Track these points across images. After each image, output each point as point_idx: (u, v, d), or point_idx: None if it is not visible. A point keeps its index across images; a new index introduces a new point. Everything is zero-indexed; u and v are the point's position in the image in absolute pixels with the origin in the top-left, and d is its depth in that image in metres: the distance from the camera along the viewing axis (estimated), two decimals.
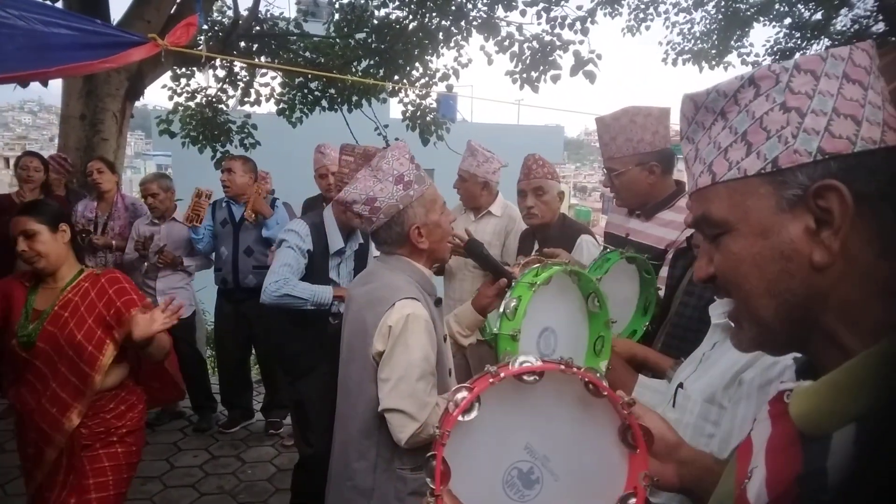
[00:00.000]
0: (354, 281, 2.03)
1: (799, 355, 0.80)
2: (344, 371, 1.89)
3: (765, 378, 1.16)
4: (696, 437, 1.22)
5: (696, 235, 1.37)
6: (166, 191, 4.23)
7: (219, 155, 7.75)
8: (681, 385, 1.31)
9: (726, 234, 0.72)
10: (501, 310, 1.49)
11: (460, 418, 0.86)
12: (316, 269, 2.89)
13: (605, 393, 0.91)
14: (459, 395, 0.88)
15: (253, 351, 4.51)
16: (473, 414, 0.87)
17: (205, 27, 7.25)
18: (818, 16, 9.26)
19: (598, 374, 0.92)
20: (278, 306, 2.76)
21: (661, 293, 2.02)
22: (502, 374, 0.88)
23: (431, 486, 0.85)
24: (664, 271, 2.06)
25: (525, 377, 0.89)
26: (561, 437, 0.94)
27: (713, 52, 9.30)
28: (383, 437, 1.73)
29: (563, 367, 0.89)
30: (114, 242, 4.21)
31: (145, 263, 4.22)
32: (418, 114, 8.14)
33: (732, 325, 0.77)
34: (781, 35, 9.58)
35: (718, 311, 1.39)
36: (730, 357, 1.28)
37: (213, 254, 4.24)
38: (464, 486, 0.88)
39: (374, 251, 3.87)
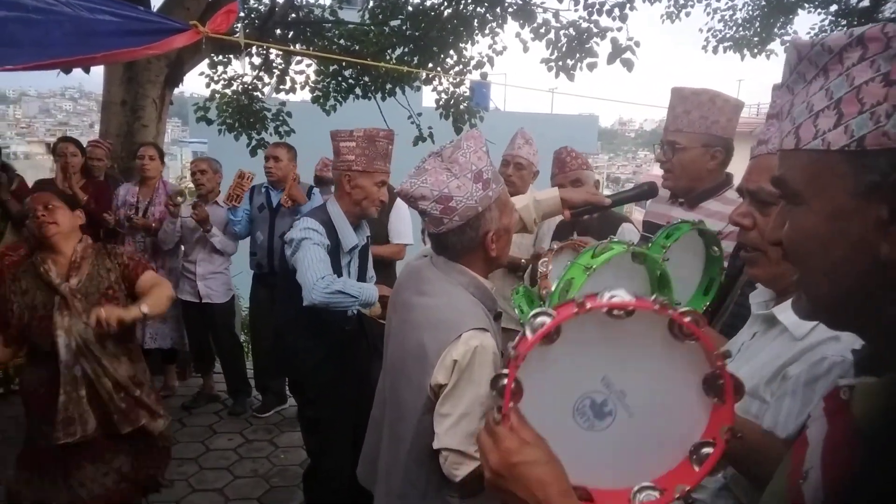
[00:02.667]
0: (403, 282, 1.82)
1: (857, 348, 0.77)
2: (392, 391, 1.75)
3: (811, 374, 1.11)
4: None
5: (743, 235, 1.31)
6: (214, 172, 4.32)
7: (254, 142, 7.83)
8: None
9: (796, 205, 0.69)
10: (553, 289, 1.40)
11: (538, 346, 0.83)
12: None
13: (698, 339, 0.86)
14: (538, 320, 0.84)
15: None
16: (552, 343, 0.85)
17: (241, 14, 7.30)
18: (866, 2, 8.92)
19: (690, 318, 0.86)
20: (326, 305, 2.48)
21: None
22: (588, 305, 0.84)
23: (500, 402, 0.83)
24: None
25: (615, 312, 0.85)
26: (641, 375, 0.90)
27: (755, 39, 9.03)
28: (434, 465, 1.59)
29: (657, 306, 0.85)
30: (153, 225, 4.28)
31: (182, 247, 4.30)
32: (452, 102, 8.08)
33: (776, 313, 0.77)
34: (827, 22, 9.25)
35: (759, 299, 1.34)
36: (772, 349, 1.23)
37: (249, 238, 4.29)
38: (532, 408, 0.87)
39: (400, 239, 3.85)
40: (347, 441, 2.05)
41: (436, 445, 1.53)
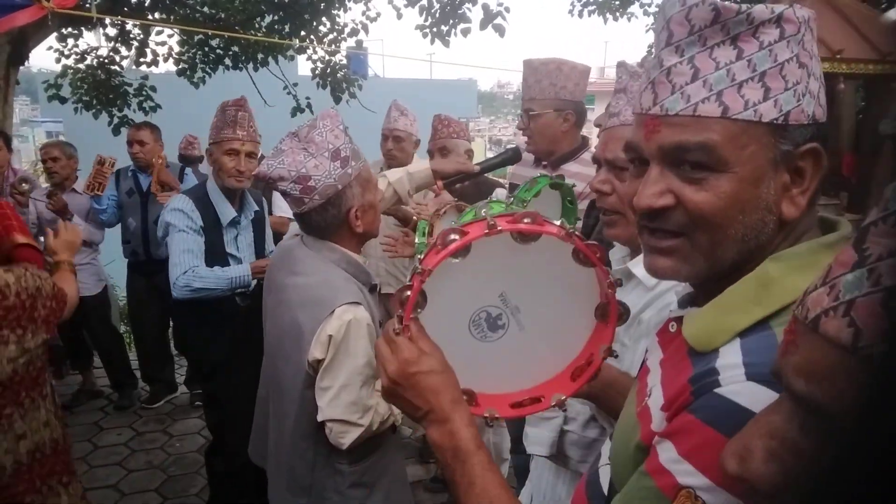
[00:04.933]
0: (275, 263, 1.85)
1: (680, 291, 0.91)
2: (273, 369, 1.79)
3: (660, 317, 1.28)
4: None
5: (602, 200, 1.45)
6: (69, 158, 4.00)
7: (116, 120, 7.30)
8: None
9: (719, 172, 0.70)
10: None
11: (450, 260, 0.87)
12: (211, 247, 2.59)
13: (595, 266, 0.92)
14: (450, 237, 0.87)
15: (171, 324, 4.40)
16: (458, 259, 0.87)
17: None
18: None
19: (593, 247, 0.91)
20: (193, 300, 2.48)
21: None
22: (499, 227, 0.86)
23: (401, 313, 0.87)
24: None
25: (520, 236, 0.88)
26: (537, 294, 0.96)
27: (616, 2, 9.51)
28: (321, 437, 1.64)
29: (563, 233, 0.88)
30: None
31: (41, 239, 4.00)
32: (328, 71, 7.92)
33: (662, 257, 0.77)
34: None
35: (616, 256, 1.50)
36: (631, 299, 1.39)
37: (119, 225, 4.06)
38: (431, 319, 0.91)
39: (288, 213, 3.82)
40: (248, 416, 2.08)
41: (320, 418, 1.59)
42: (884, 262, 0.41)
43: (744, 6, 0.69)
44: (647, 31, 8.80)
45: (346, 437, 1.59)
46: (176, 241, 2.50)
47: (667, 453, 0.67)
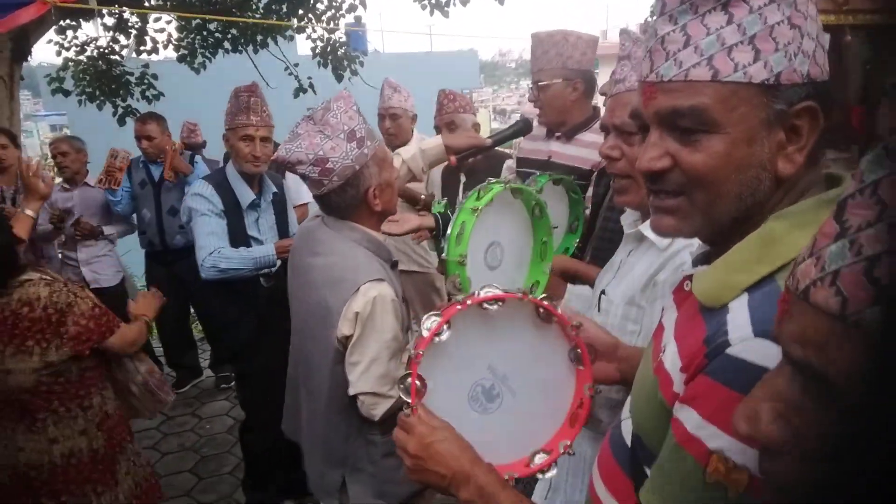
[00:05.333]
0: (298, 245, 1.90)
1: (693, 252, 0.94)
2: (302, 347, 1.84)
3: (675, 278, 1.32)
4: (620, 336, 1.38)
5: (612, 165, 1.47)
6: (77, 151, 4.04)
7: (121, 110, 7.31)
8: (603, 291, 1.47)
9: (712, 133, 0.74)
10: (449, 233, 1.51)
11: (435, 339, 0.98)
12: (233, 230, 2.65)
13: (556, 318, 1.05)
14: (430, 321, 0.99)
15: (192, 310, 4.48)
16: (444, 336, 0.98)
17: None
18: None
19: (552, 302, 1.04)
20: (222, 281, 2.56)
21: (588, 212, 2.17)
22: (468, 302, 1.00)
23: (407, 399, 0.97)
24: (590, 191, 2.22)
25: (487, 305, 1.00)
26: (518, 358, 1.07)
27: None
28: (353, 411, 1.70)
29: (521, 295, 1.01)
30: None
31: (63, 235, 4.06)
32: (329, 49, 7.87)
33: (666, 216, 0.82)
34: None
35: (629, 220, 1.53)
36: (645, 262, 1.43)
37: (135, 216, 4.12)
38: (435, 401, 1.01)
39: (301, 200, 3.85)
40: (277, 393, 2.15)
41: (351, 392, 1.65)
42: (863, 232, 0.44)
43: None
44: None
45: (378, 409, 1.65)
46: (200, 224, 2.58)
47: (691, 420, 0.71)
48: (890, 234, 0.42)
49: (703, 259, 0.89)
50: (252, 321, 2.68)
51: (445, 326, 0.98)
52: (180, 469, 3.49)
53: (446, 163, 2.26)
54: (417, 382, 0.97)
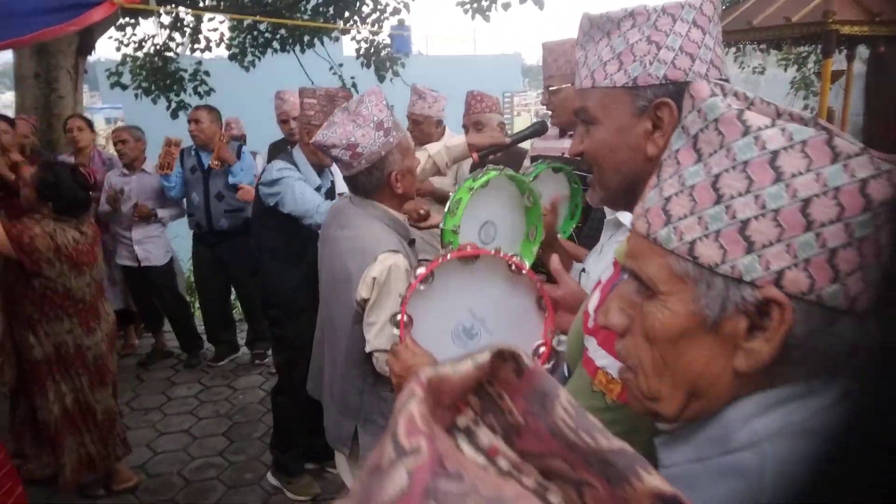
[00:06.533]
0: (328, 220, 2.13)
1: None
2: (327, 309, 2.07)
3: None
4: None
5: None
6: (136, 140, 4.38)
7: (174, 104, 7.74)
8: (583, 269, 1.66)
9: (595, 125, 0.99)
10: (446, 208, 1.72)
11: (419, 287, 1.21)
12: None
13: (524, 272, 1.26)
14: (419, 270, 1.22)
15: (233, 291, 4.80)
16: (429, 283, 1.21)
17: None
18: None
19: (518, 258, 1.25)
20: (277, 249, 2.85)
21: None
22: (449, 256, 1.22)
23: (396, 332, 1.20)
24: None
25: (466, 259, 1.22)
26: (494, 304, 1.29)
27: None
28: (368, 367, 1.90)
29: (493, 252, 1.23)
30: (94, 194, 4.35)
31: (118, 215, 4.42)
32: (372, 51, 8.17)
33: (619, 216, 1.07)
34: None
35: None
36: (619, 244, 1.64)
37: (185, 200, 4.46)
38: (421, 336, 1.24)
39: (339, 189, 4.12)
40: (309, 358, 2.42)
41: (367, 349, 1.87)
42: (668, 181, 0.64)
43: (612, 11, 0.98)
44: None
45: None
46: (297, 185, 2.86)
47: (591, 346, 0.93)
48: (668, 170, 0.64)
49: None
50: (308, 289, 2.89)
51: (430, 275, 1.20)
52: (214, 433, 3.79)
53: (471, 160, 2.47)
54: (405, 318, 1.19)
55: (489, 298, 1.28)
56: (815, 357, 0.56)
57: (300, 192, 2.86)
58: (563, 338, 1.36)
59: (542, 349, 1.32)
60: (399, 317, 1.19)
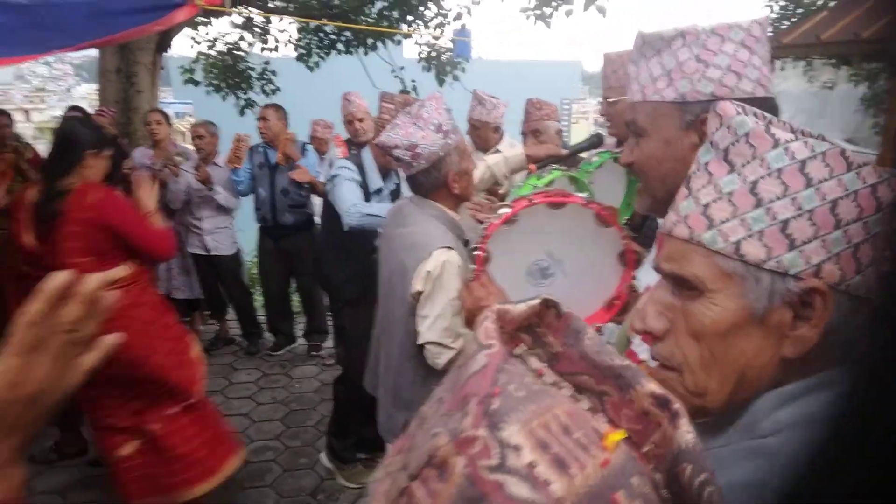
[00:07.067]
0: (389, 219, 2.22)
1: None
2: (385, 304, 2.16)
3: None
4: None
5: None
6: (212, 135, 4.63)
7: (242, 102, 8.03)
8: (634, 276, 1.71)
9: (644, 137, 1.05)
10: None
11: (502, 226, 1.25)
12: None
13: (613, 225, 1.28)
14: (502, 210, 1.26)
15: (293, 283, 4.97)
16: (508, 226, 1.25)
17: None
18: None
19: (608, 210, 1.27)
20: (362, 227, 2.98)
21: None
22: (536, 200, 1.26)
23: (473, 266, 1.26)
24: None
25: (554, 205, 1.25)
26: (575, 249, 1.32)
27: None
28: (420, 359, 1.96)
29: (583, 202, 1.26)
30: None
31: (191, 203, 4.64)
32: (433, 55, 8.28)
33: (637, 197, 1.10)
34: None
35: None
36: None
37: (252, 195, 4.65)
38: (497, 271, 1.28)
39: (405, 191, 4.24)
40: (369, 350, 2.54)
41: (419, 341, 1.94)
42: (703, 190, 0.68)
43: (665, 30, 1.03)
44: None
45: (441, 358, 1.93)
46: (344, 185, 3.06)
47: (635, 340, 1.02)
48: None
49: None
50: (359, 282, 3.11)
51: (514, 217, 1.24)
52: (271, 417, 3.96)
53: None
54: (483, 254, 1.24)
55: (571, 244, 1.30)
56: (841, 344, 0.62)
57: (343, 191, 3.03)
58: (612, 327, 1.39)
59: (616, 302, 1.35)
60: (476, 251, 1.24)
